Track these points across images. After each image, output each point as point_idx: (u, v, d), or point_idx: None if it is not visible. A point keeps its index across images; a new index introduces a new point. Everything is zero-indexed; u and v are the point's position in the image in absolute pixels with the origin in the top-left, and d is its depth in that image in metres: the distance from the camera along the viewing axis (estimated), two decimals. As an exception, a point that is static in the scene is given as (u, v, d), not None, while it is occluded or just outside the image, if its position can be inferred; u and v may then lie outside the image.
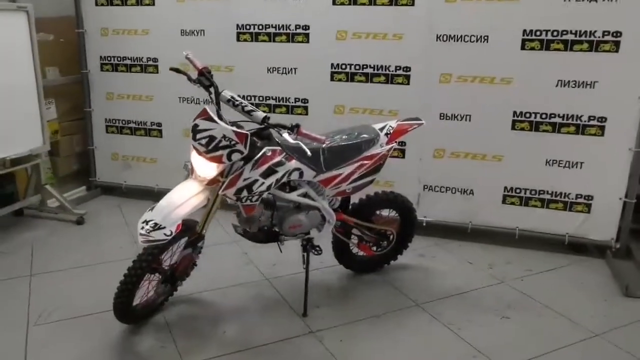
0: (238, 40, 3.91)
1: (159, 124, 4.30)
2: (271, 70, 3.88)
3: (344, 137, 2.75)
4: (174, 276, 2.64)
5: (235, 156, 2.35)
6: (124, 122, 4.40)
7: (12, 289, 3.01)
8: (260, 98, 3.96)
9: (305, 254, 2.82)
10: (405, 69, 3.60)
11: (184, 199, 2.38)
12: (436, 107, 3.59)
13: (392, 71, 3.62)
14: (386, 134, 2.84)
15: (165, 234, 2.27)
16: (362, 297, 2.98)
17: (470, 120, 3.55)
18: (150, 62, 4.18)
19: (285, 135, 2.35)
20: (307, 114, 3.89)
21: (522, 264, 3.40)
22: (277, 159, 2.49)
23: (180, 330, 2.64)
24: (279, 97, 3.92)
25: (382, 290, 3.07)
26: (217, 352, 2.47)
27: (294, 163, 2.56)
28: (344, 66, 3.71)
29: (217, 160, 2.35)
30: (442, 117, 3.59)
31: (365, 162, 2.76)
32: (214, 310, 2.84)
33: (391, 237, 3.17)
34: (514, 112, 3.45)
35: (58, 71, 4.54)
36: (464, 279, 3.21)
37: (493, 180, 3.60)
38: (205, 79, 2.49)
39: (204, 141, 2.34)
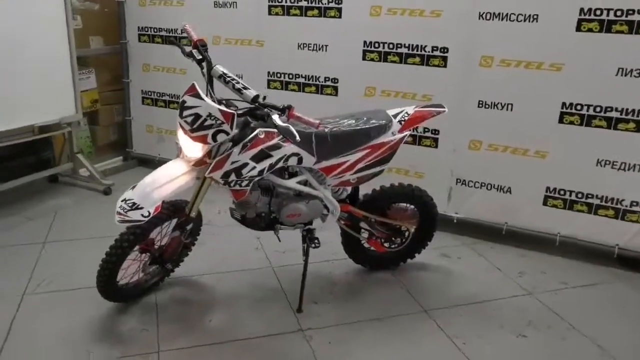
0: (269, 14, 3.72)
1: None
2: (302, 46, 3.66)
3: (351, 122, 2.50)
4: (163, 258, 2.53)
5: (221, 137, 2.19)
6: (158, 95, 4.36)
7: (22, 255, 3.05)
8: (290, 76, 3.76)
9: (304, 245, 2.63)
10: (442, 49, 3.26)
11: (168, 179, 2.25)
12: (474, 93, 3.24)
13: (428, 52, 3.29)
14: (400, 121, 2.56)
15: (142, 215, 2.16)
16: (366, 297, 2.76)
17: (512, 109, 3.16)
18: (184, 34, 4.07)
19: (275, 117, 2.16)
20: (336, 94, 3.65)
21: (557, 276, 3.02)
22: (272, 142, 2.30)
23: (168, 314, 2.55)
24: (308, 76, 3.70)
25: (390, 290, 2.82)
26: (195, 342, 2.35)
27: (291, 147, 2.36)
28: (376, 45, 3.42)
29: (202, 140, 2.19)
30: (480, 105, 3.23)
31: (373, 150, 2.50)
32: (207, 296, 2.73)
33: (406, 233, 2.90)
34: (563, 104, 3.03)
35: (102, 41, 4.58)
36: (487, 286, 2.89)
37: (534, 179, 3.21)
38: (198, 52, 2.33)
39: (189, 119, 2.19)
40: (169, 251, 2.52)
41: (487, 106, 3.22)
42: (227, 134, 2.18)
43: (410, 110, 2.61)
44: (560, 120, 3.06)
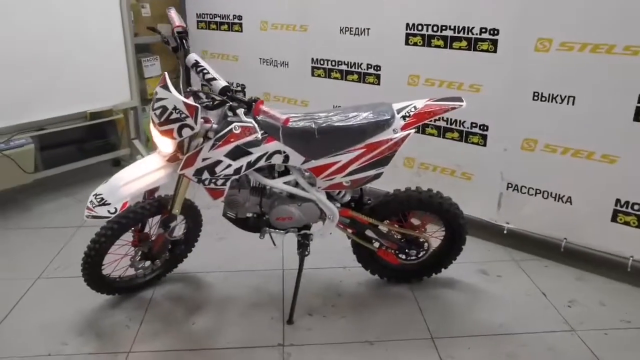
0: (312, -4, 3.47)
1: (243, 86, 4.10)
2: (344, 30, 3.36)
3: (347, 117, 2.20)
4: (152, 254, 2.45)
5: (186, 132, 2.03)
6: (214, 82, 4.32)
7: (54, 237, 3.17)
8: (332, 63, 3.48)
9: (299, 251, 2.40)
10: (492, 31, 2.77)
11: (139, 174, 2.15)
12: (529, 82, 2.71)
13: (476, 34, 2.82)
14: (404, 117, 2.19)
15: (109, 211, 2.08)
16: (369, 314, 2.45)
17: (573, 103, 2.60)
18: (236, 20, 3.98)
19: (240, 112, 1.96)
20: (379, 83, 3.31)
21: (620, 310, 2.45)
22: (249, 138, 2.09)
23: (156, 311, 2.47)
24: (350, 63, 3.40)
25: (400, 309, 2.48)
26: (169, 346, 2.24)
27: (274, 144, 2.13)
28: (419, 27, 3.02)
29: (169, 134, 2.05)
30: (535, 97, 2.71)
31: (369, 150, 2.18)
32: (204, 295, 2.61)
33: (425, 245, 2.52)
34: (640, 97, 2.42)
35: (170, 28, 4.64)
36: (521, 314, 2.43)
37: (601, 188, 2.63)
38: (174, 39, 2.18)
39: (158, 112, 2.05)
40: (156, 248, 2.43)
41: (543, 99, 2.68)
42: (192, 128, 2.01)
43: (420, 104, 2.22)
44: (637, 118, 2.45)
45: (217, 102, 2.08)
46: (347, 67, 3.41)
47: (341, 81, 3.46)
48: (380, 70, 3.28)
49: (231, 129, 2.06)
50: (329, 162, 2.18)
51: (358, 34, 3.30)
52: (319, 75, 3.57)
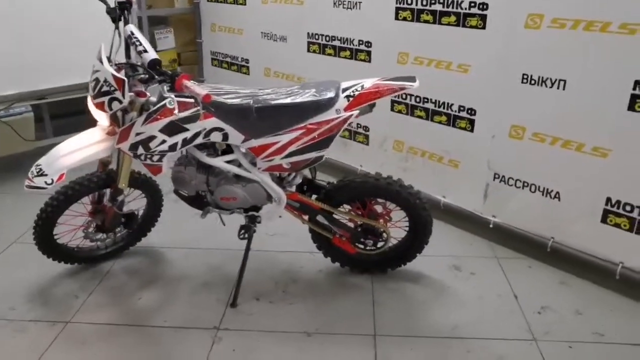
0: (309, -34, 3.30)
1: (247, 60, 4.04)
2: (337, 3, 3.18)
3: (291, 94, 2.06)
4: (104, 227, 2.45)
5: (115, 105, 1.97)
6: (223, 56, 4.27)
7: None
8: (327, 38, 3.32)
9: (241, 233, 2.31)
10: (481, 5, 2.51)
11: (79, 147, 2.13)
12: (518, 63, 2.45)
13: (465, 9, 2.57)
14: (348, 97, 2.02)
15: (45, 182, 2.07)
16: (318, 304, 2.33)
17: (564, 87, 2.32)
18: None
19: (164, 87, 1.88)
20: (369, 60, 3.12)
21: (596, 321, 2.20)
22: (184, 113, 2.01)
23: (109, 283, 2.48)
24: (343, 38, 3.22)
25: (352, 301, 2.35)
26: (108, 319, 2.23)
27: (212, 121, 2.04)
28: (409, 0, 2.79)
29: (101, 107, 2.00)
30: (525, 80, 2.44)
31: (309, 131, 2.04)
32: (158, 271, 2.58)
33: (384, 235, 2.36)
34: (637, 82, 2.11)
35: (187, 1, 4.62)
36: (483, 317, 2.24)
37: (590, 184, 2.35)
38: (114, 10, 2.11)
39: (92, 84, 2.01)
40: (108, 221, 2.42)
41: (533, 82, 2.41)
42: (120, 102, 1.95)
43: (369, 83, 2.05)
44: (632, 107, 2.15)
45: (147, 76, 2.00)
46: (340, 43, 3.24)
47: (335, 58, 3.30)
48: (371, 47, 3.08)
49: (165, 103, 1.98)
50: (269, 142, 2.07)
51: (350, 8, 3.11)
52: (314, 51, 3.42)
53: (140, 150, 2.06)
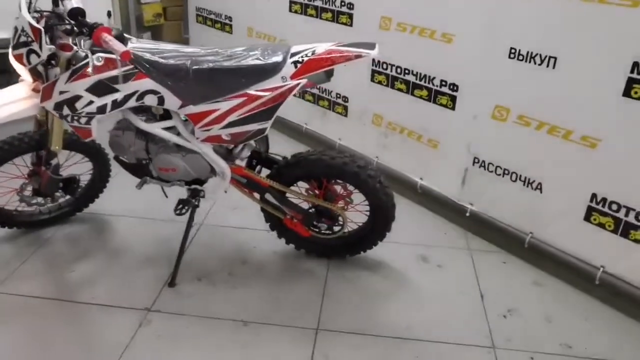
0: None
1: (230, 18, 3.76)
2: (320, -42, 2.89)
3: (233, 56, 1.82)
4: (40, 191, 2.26)
5: (34, 59, 1.75)
6: (207, 12, 4.00)
7: None
8: (309, -3, 3.03)
9: (179, 208, 2.11)
10: (470, -34, 2.22)
11: (1, 103, 1.91)
12: (505, 34, 2.17)
13: (452, -31, 2.28)
14: (295, 63, 1.77)
15: None
16: (262, 290, 2.14)
17: (554, 66, 2.04)
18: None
19: (83, 41, 1.65)
20: (351, 24, 2.84)
21: (566, 330, 1.98)
22: (113, 72, 1.78)
23: (46, 251, 2.31)
24: (325, -1, 2.94)
25: (301, 289, 2.15)
26: (33, 291, 2.07)
27: (146, 82, 1.81)
28: (394, -43, 2.50)
29: (20, 60, 1.79)
30: (512, 55, 2.16)
31: (250, 100, 1.80)
32: (100, 241, 2.41)
33: (340, 219, 2.14)
34: (636, 64, 1.83)
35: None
36: (441, 317, 2.03)
37: (576, 178, 2.09)
38: None
39: (12, 33, 1.79)
40: (43, 185, 2.23)
41: (520, 57, 2.13)
42: (38, 55, 1.73)
43: (321, 48, 1.79)
44: (627, 93, 1.87)
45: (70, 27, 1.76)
46: (322, 4, 2.95)
47: (316, 19, 3.01)
48: (353, 9, 2.79)
49: (89, 60, 1.76)
50: (207, 110, 1.84)
51: (334, -36, 2.82)
52: (295, 11, 3.13)
53: (66, 111, 1.85)
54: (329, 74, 1.86)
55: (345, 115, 3.06)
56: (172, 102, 1.85)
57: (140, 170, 2.13)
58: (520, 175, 2.27)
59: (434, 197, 2.67)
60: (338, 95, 3.06)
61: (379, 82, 2.77)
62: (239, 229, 2.51)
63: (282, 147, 3.22)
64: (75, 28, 1.69)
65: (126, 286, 2.12)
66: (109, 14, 1.86)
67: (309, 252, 2.31)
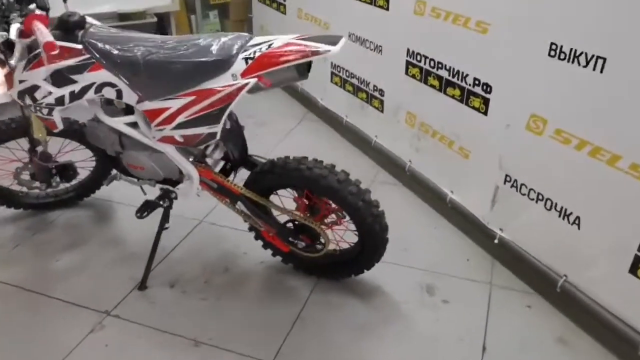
0: None
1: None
2: None
3: (187, 48, 1.59)
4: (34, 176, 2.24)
5: (-10, 45, 1.67)
6: (267, -9, 3.80)
7: None
8: (350, -25, 2.70)
9: (139, 212, 1.95)
10: (509, -62, 1.76)
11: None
12: (544, 26, 1.70)
13: (490, -58, 1.83)
14: (246, 59, 1.50)
15: None
16: (233, 306, 1.94)
17: (602, 70, 1.55)
18: None
19: (14, 27, 1.53)
20: (387, 8, 2.47)
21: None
22: (69, 61, 1.65)
23: (41, 237, 2.30)
24: (364, -23, 2.59)
25: (274, 312, 1.92)
26: (11, 278, 2.05)
27: (102, 75, 1.67)
28: None
29: (-21, 44, 1.71)
30: (552, 53, 1.69)
31: (200, 99, 1.57)
32: (96, 230, 2.35)
33: (322, 239, 1.86)
34: None
35: None
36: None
37: (621, 218, 1.61)
38: None
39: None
40: (35, 172, 2.20)
41: (562, 55, 1.66)
42: (-6, 41, 1.64)
43: (281, 41, 1.50)
44: (695, 112, 1.36)
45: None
46: (361, -15, 2.61)
47: (356, 2, 2.67)
48: (390, -10, 2.42)
49: (17, 46, 1.64)
50: (161, 107, 1.64)
51: (373, -63, 2.45)
52: (331, -7, 2.82)
53: (28, 100, 1.75)
54: (301, 72, 1.57)
55: (382, 111, 2.72)
56: (129, 96, 1.68)
57: (119, 164, 2.01)
58: (556, 204, 1.81)
59: (463, 214, 2.27)
60: (375, 88, 2.72)
61: (413, 76, 2.39)
62: (238, 230, 2.32)
63: (322, 139, 2.97)
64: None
65: (99, 284, 2.04)
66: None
67: (296, 268, 2.06)
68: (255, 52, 1.49)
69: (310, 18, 3.19)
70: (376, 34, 2.59)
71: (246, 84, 1.49)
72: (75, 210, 2.47)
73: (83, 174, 2.39)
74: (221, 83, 1.52)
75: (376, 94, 2.72)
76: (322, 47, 1.44)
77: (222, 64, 1.51)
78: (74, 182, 2.39)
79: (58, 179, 2.28)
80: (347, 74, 2.93)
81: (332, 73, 3.07)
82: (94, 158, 2.36)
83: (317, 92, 3.33)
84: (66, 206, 2.47)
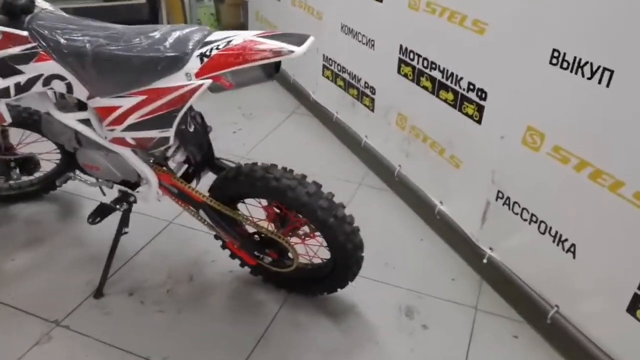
0: None
1: (280, -17, 3.33)
2: None
3: (141, 40, 1.42)
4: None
5: None
6: (262, -25, 3.60)
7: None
8: (345, -38, 2.50)
9: (90, 216, 1.80)
10: None
11: None
12: (546, 30, 1.51)
13: None
14: (201, 57, 1.32)
15: None
16: (192, 319, 1.79)
17: (608, 83, 1.36)
18: None
19: None
20: (381, 0, 2.28)
21: None
22: (13, 50, 1.49)
23: (0, 232, 2.16)
24: (360, -35, 2.39)
25: (236, 327, 1.77)
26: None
27: (50, 66, 1.50)
28: None
29: None
30: (554, 60, 1.50)
31: (151, 99, 1.40)
32: (58, 227, 2.20)
33: (290, 254, 1.70)
34: None
35: None
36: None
37: (620, 250, 1.43)
38: None
39: None
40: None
41: (565, 65, 1.47)
42: None
43: (240, 39, 1.31)
44: None
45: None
46: (357, -27, 2.41)
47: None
48: (385, -21, 2.23)
49: None
50: (113, 106, 1.47)
51: None
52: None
53: (-28, 91, 1.59)
54: (268, 72, 1.40)
55: (372, 110, 2.54)
56: (80, 91, 1.51)
57: (75, 159, 1.85)
58: (550, 228, 1.64)
59: (451, 228, 2.10)
60: (366, 85, 2.53)
61: (405, 75, 2.20)
62: (209, 234, 2.13)
63: (311, 135, 2.81)
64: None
65: (53, 288, 1.89)
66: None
67: (265, 280, 1.91)
68: (212, 49, 1.31)
69: (304, 6, 2.99)
70: (369, 27, 2.41)
71: (200, 86, 1.32)
72: (40, 204, 2.32)
73: (49, 166, 2.24)
74: (173, 83, 1.35)
75: (367, 91, 2.54)
76: (286, 47, 1.26)
77: (175, 61, 1.34)
78: (38, 174, 2.24)
79: (18, 172, 2.13)
80: (339, 68, 2.74)
81: (324, 66, 2.89)
82: (58, 150, 2.21)
83: (309, 85, 3.15)
84: (30, 199, 2.32)
